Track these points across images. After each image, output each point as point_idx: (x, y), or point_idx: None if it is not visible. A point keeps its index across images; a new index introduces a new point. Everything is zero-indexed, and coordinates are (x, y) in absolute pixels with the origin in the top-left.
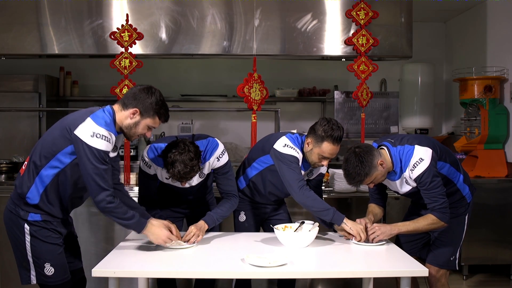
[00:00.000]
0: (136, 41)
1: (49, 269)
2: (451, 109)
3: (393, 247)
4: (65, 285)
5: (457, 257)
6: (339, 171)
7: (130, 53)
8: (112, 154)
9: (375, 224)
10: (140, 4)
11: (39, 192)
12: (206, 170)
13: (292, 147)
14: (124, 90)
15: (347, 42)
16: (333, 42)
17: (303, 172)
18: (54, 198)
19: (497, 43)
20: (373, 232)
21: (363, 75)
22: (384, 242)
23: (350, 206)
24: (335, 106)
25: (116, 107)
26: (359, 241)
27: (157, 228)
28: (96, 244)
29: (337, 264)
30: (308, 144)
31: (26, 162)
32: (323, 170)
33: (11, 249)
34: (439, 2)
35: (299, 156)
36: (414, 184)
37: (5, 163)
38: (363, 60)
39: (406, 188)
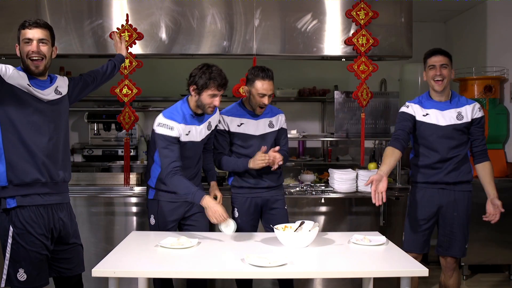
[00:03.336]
0: (136, 41)
1: (22, 275)
2: None
3: (393, 247)
4: None
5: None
6: (339, 171)
7: (130, 53)
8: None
9: None
10: (140, 4)
11: (2, 170)
12: (214, 122)
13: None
14: (124, 90)
15: (347, 42)
16: (333, 42)
17: (256, 122)
18: (16, 162)
19: (497, 43)
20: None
21: (363, 75)
22: (384, 242)
23: (350, 206)
24: (335, 106)
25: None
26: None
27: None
28: (96, 244)
29: (337, 264)
30: (245, 93)
31: None
32: (283, 124)
33: None
34: (439, 2)
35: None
36: (466, 120)
37: None
38: (363, 60)
39: (451, 121)
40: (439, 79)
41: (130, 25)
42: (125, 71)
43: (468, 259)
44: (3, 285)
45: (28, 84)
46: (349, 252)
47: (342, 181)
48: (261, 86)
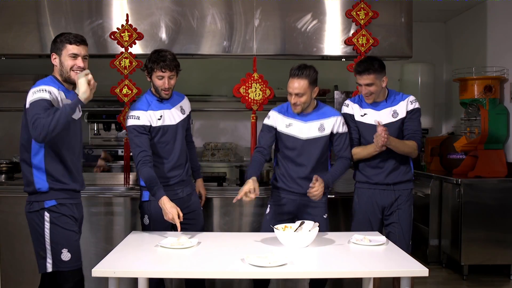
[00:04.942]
0: (136, 41)
1: (66, 255)
2: (451, 109)
3: (393, 247)
4: (79, 271)
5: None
6: None
7: (130, 53)
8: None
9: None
10: (140, 4)
11: (44, 179)
12: (186, 107)
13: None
14: (124, 90)
15: (347, 42)
16: (333, 42)
17: (300, 123)
18: (57, 172)
19: (497, 43)
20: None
21: None
22: (383, 242)
23: (350, 206)
24: (335, 106)
25: (55, 69)
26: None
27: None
28: (96, 244)
29: (337, 264)
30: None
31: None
32: (339, 128)
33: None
34: (439, 2)
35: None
36: (401, 116)
37: (5, 163)
38: None
39: (387, 120)
40: (367, 95)
41: (130, 25)
42: (125, 71)
43: (468, 259)
44: (50, 269)
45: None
46: (349, 252)
47: (342, 181)
48: (289, 83)
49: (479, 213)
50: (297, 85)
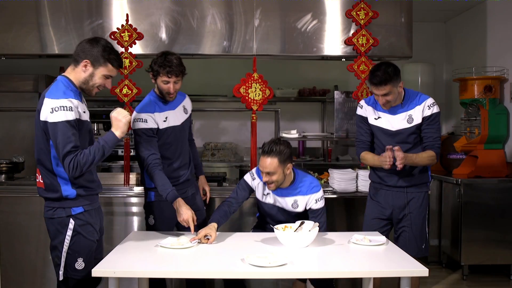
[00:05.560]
0: (136, 41)
1: (80, 264)
2: (451, 109)
3: (393, 247)
4: (88, 281)
5: (427, 244)
6: (339, 171)
7: (130, 53)
8: (85, 117)
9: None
10: (140, 4)
11: (70, 186)
12: (188, 107)
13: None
14: (124, 90)
15: (347, 42)
16: (333, 42)
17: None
18: (84, 181)
19: (497, 43)
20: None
21: (363, 75)
22: (383, 242)
23: (350, 206)
24: (335, 106)
25: (68, 69)
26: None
27: (116, 120)
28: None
29: (337, 264)
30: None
31: (37, 174)
32: (312, 205)
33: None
34: (439, 2)
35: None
36: (416, 122)
37: (5, 163)
38: (363, 60)
39: (401, 125)
40: (384, 104)
41: (130, 25)
42: (125, 71)
43: (468, 259)
44: (61, 277)
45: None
46: (349, 252)
47: (342, 181)
48: (259, 161)
49: (479, 213)
50: (267, 163)
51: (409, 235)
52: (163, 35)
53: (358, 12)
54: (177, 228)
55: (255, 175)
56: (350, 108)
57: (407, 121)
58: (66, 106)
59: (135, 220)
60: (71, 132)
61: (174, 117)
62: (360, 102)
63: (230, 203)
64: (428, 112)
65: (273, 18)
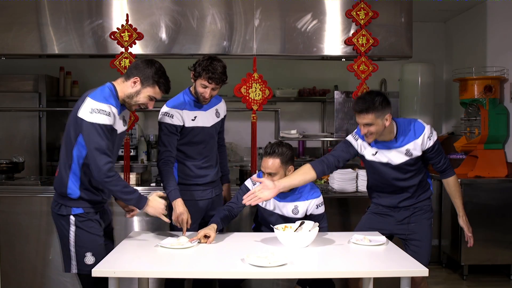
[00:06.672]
0: (136, 41)
1: (89, 259)
2: (451, 109)
3: (393, 247)
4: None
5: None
6: (339, 171)
7: (130, 53)
8: (120, 128)
9: None
10: (140, 4)
11: (77, 186)
12: (221, 111)
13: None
14: None
15: (347, 42)
16: (333, 42)
17: (278, 202)
18: (91, 187)
19: (497, 43)
20: None
21: (363, 75)
22: (383, 242)
23: (350, 206)
24: (335, 106)
25: (118, 80)
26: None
27: (154, 201)
28: None
29: (337, 264)
30: None
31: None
32: (313, 210)
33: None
34: (439, 2)
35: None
36: (416, 154)
37: (5, 163)
38: (363, 60)
39: (400, 160)
40: (367, 135)
41: (130, 25)
42: (125, 71)
43: (468, 259)
44: (74, 271)
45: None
46: (349, 252)
47: (342, 181)
48: (262, 162)
49: (479, 213)
50: (269, 164)
51: (416, 248)
52: (163, 35)
53: (358, 12)
54: (170, 228)
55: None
56: (350, 108)
57: (406, 154)
58: (105, 111)
59: (135, 220)
60: (105, 137)
61: (203, 118)
62: (354, 135)
63: (231, 208)
64: (430, 143)
65: (273, 18)
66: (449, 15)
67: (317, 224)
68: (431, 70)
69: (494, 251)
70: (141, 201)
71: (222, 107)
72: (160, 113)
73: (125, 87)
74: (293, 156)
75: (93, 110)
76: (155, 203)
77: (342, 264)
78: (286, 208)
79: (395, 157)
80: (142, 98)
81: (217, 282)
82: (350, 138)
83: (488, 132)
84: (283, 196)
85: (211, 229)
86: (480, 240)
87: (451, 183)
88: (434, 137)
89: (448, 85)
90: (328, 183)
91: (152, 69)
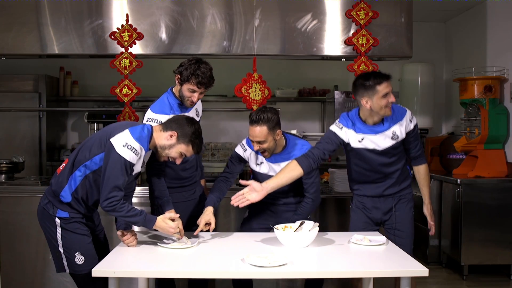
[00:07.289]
0: (136, 41)
1: (79, 258)
2: (451, 109)
3: (393, 247)
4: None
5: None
6: (339, 171)
7: (130, 53)
8: (137, 169)
9: None
10: (140, 4)
11: (71, 192)
12: (200, 110)
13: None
14: (124, 90)
15: (347, 42)
16: (333, 42)
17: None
18: (83, 200)
19: (497, 43)
20: None
21: None
22: (383, 242)
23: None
24: (335, 106)
25: (156, 127)
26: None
27: (161, 222)
28: None
29: (337, 264)
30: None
31: (64, 164)
32: None
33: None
34: (439, 2)
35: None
36: (401, 137)
37: (5, 163)
38: (363, 60)
39: (387, 144)
40: (391, 105)
41: (130, 25)
42: (125, 71)
43: (468, 259)
44: (67, 270)
45: None
46: (349, 252)
47: (342, 181)
48: (249, 131)
49: (479, 213)
50: (256, 132)
51: (398, 233)
52: (163, 35)
53: (358, 12)
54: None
55: (246, 146)
56: (350, 108)
57: (392, 138)
58: (136, 150)
59: None
60: (125, 173)
61: None
62: (338, 123)
63: (226, 178)
64: (411, 126)
65: (273, 18)
66: (449, 15)
67: (317, 224)
68: (431, 70)
69: (494, 251)
70: (149, 222)
71: (200, 106)
72: (147, 119)
73: (160, 136)
74: (279, 120)
75: (127, 145)
76: (162, 224)
77: (342, 264)
78: (280, 168)
79: (382, 141)
80: (173, 152)
81: (215, 282)
82: (334, 127)
83: (488, 132)
84: (276, 157)
85: (209, 215)
86: (480, 240)
87: (421, 171)
88: (414, 121)
89: (448, 85)
90: (328, 183)
91: (191, 128)
